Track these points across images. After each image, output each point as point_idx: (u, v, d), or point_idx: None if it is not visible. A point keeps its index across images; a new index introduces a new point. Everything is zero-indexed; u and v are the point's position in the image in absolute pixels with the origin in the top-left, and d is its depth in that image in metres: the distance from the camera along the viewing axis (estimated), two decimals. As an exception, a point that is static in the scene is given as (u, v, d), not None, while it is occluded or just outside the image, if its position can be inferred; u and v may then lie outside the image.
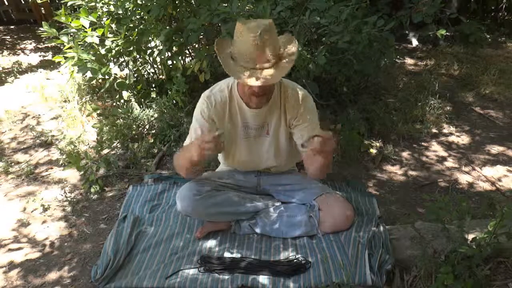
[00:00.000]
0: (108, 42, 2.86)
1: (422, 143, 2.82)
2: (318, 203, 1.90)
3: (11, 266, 1.92)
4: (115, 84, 3.10)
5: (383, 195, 2.30)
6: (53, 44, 2.88)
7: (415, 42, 2.97)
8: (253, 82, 1.49)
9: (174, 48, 2.97)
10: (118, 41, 2.87)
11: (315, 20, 2.51)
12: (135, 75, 3.25)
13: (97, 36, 2.78)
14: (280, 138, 1.85)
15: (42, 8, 5.83)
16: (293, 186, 2.01)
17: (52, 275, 1.86)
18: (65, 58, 2.83)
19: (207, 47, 2.87)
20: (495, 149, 2.72)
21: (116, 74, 3.28)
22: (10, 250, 2.02)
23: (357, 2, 2.53)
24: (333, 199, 1.92)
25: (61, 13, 2.74)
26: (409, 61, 4.29)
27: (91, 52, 2.83)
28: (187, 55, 3.29)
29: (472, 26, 4.50)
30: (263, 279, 1.70)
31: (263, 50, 1.47)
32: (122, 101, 3.26)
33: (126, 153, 2.73)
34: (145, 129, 2.92)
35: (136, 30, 2.88)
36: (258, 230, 1.94)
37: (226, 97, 1.76)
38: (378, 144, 2.73)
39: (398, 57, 3.64)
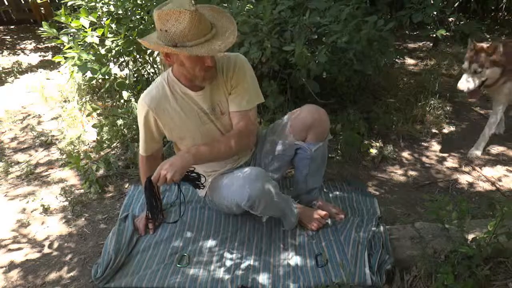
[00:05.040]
0: (108, 42, 2.86)
1: (422, 143, 2.81)
2: (290, 121, 1.86)
3: (11, 266, 1.92)
4: (115, 84, 3.10)
5: (383, 195, 2.30)
6: (53, 44, 2.89)
7: None
8: (212, 52, 1.47)
9: (174, 48, 2.96)
10: (118, 41, 2.87)
11: (315, 20, 2.51)
12: (135, 75, 3.25)
13: (97, 36, 2.79)
14: None
15: (42, 8, 5.84)
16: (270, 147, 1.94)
17: (52, 275, 1.86)
18: (65, 58, 2.83)
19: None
20: (495, 149, 2.72)
21: (116, 74, 3.28)
22: (10, 250, 2.02)
23: (357, 1, 2.53)
24: (298, 117, 1.85)
25: (61, 13, 2.74)
26: (409, 61, 4.28)
27: (91, 52, 2.83)
28: (187, 55, 3.29)
29: (472, 26, 4.49)
30: (263, 279, 1.70)
31: (203, 21, 1.46)
32: (122, 101, 3.26)
33: (126, 153, 2.73)
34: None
35: (136, 30, 2.88)
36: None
37: (164, 88, 1.70)
38: (378, 144, 2.73)
39: (398, 57, 3.64)
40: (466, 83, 2.35)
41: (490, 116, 2.58)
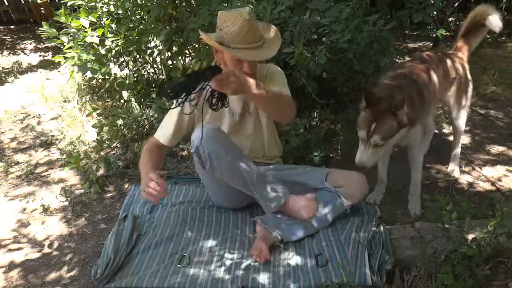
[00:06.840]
0: (108, 42, 2.86)
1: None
2: (331, 183, 1.94)
3: (11, 266, 1.92)
4: (115, 84, 3.10)
5: (383, 195, 2.29)
6: (53, 44, 2.89)
7: None
8: (254, 57, 1.68)
9: (174, 48, 2.97)
10: (118, 41, 2.87)
11: (315, 20, 2.51)
12: (135, 75, 3.25)
13: (97, 36, 2.79)
14: (260, 113, 1.98)
15: (42, 8, 5.85)
16: (295, 174, 2.04)
17: (52, 275, 1.86)
18: (65, 58, 2.83)
19: (207, 46, 2.87)
20: (495, 149, 2.72)
21: (116, 74, 3.28)
22: (10, 250, 2.02)
23: (357, 2, 2.54)
24: (342, 175, 1.99)
25: (61, 13, 2.75)
26: (409, 61, 4.28)
27: (91, 52, 2.84)
28: (187, 55, 3.29)
29: (472, 26, 4.48)
30: (263, 279, 1.70)
31: (253, 31, 1.66)
32: (122, 101, 3.26)
33: (126, 153, 2.73)
34: (145, 129, 2.92)
35: (136, 30, 2.89)
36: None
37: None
38: (378, 144, 2.73)
39: (398, 57, 3.64)
40: (367, 159, 1.79)
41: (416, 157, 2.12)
